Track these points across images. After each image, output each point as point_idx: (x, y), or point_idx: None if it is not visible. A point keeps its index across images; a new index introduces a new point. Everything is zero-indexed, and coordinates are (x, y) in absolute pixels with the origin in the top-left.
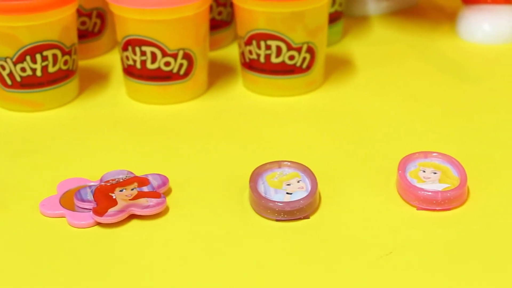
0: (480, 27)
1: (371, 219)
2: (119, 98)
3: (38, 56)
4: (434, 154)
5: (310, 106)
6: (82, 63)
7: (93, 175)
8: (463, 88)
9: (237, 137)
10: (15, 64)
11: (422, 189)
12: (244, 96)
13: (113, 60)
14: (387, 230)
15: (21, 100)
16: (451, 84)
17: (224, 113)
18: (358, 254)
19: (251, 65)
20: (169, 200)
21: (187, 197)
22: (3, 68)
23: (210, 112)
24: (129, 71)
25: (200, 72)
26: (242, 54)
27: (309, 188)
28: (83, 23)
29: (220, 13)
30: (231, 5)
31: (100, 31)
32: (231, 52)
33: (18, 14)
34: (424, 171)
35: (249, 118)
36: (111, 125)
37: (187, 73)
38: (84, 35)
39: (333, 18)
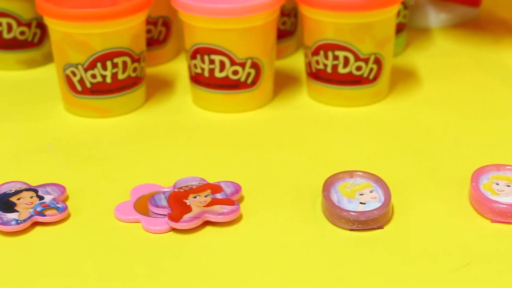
0: None
1: (445, 230)
2: (185, 105)
3: (108, 63)
4: (508, 167)
5: (376, 117)
6: (147, 70)
7: (165, 181)
8: None
9: (305, 146)
10: (86, 70)
11: (497, 202)
12: (309, 105)
13: (177, 67)
14: (462, 242)
15: (90, 106)
16: None
17: (290, 122)
18: (434, 265)
19: (317, 75)
20: (242, 207)
21: (259, 205)
22: (74, 74)
23: (276, 121)
24: (197, 79)
25: (266, 81)
26: (309, 64)
27: (383, 198)
28: (148, 31)
29: (284, 23)
30: (295, 15)
31: (165, 39)
32: (295, 62)
33: (91, 21)
34: (497, 184)
35: (316, 127)
36: (179, 132)
37: (254, 82)
38: (149, 43)
39: (397, 29)
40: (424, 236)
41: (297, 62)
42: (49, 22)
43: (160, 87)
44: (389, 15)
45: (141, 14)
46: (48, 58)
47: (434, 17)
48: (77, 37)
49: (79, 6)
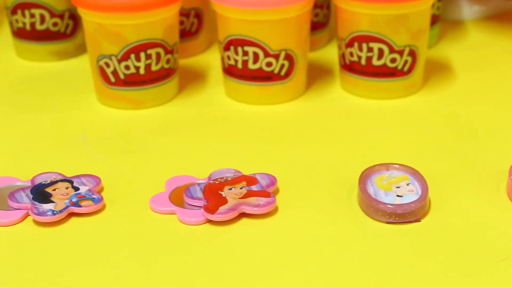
0: None
1: (483, 223)
2: (218, 97)
3: (142, 54)
4: None
5: (410, 109)
6: (179, 62)
7: (200, 173)
8: None
9: (340, 139)
10: (119, 61)
11: None
12: (342, 98)
13: (209, 59)
14: (500, 235)
15: (123, 97)
16: None
17: (324, 115)
18: (472, 259)
19: (351, 67)
20: (278, 199)
21: (295, 197)
22: (108, 66)
23: (309, 113)
24: (230, 71)
25: (300, 73)
26: (343, 56)
27: (420, 191)
28: (181, 22)
29: (317, 15)
30: (328, 7)
31: (197, 31)
32: (327, 54)
33: (125, 12)
34: None
35: (350, 120)
36: (212, 124)
37: (287, 74)
38: (181, 34)
39: (431, 21)
40: (462, 229)
41: (329, 54)
42: (83, 13)
43: (192, 78)
44: (425, 7)
45: (175, 5)
46: (80, 50)
47: (468, 9)
48: (111, 28)
49: None
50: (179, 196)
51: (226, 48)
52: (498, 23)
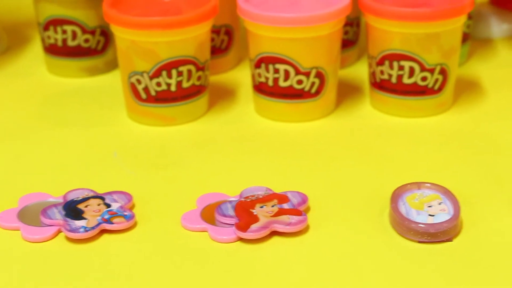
0: None
1: None
2: (248, 114)
3: (173, 71)
4: None
5: (441, 128)
6: (210, 80)
7: (231, 190)
8: None
9: (370, 157)
10: (151, 78)
11: None
12: (372, 115)
13: (238, 76)
14: None
15: (154, 114)
16: None
17: (354, 133)
18: (506, 279)
19: (381, 85)
20: (309, 218)
21: (326, 215)
22: (139, 82)
23: (340, 131)
24: (260, 88)
25: (330, 91)
26: (373, 74)
27: (452, 211)
28: (211, 39)
29: (346, 33)
30: (358, 24)
31: (227, 48)
32: (357, 71)
33: (158, 29)
34: None
35: (380, 138)
36: (243, 141)
37: (318, 92)
38: (211, 51)
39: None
40: (495, 249)
41: (359, 71)
42: (116, 30)
43: (222, 95)
44: (457, 25)
45: (207, 23)
46: (110, 66)
47: (497, 28)
48: (143, 45)
49: (145, 14)
50: (210, 213)
51: (257, 65)
52: None
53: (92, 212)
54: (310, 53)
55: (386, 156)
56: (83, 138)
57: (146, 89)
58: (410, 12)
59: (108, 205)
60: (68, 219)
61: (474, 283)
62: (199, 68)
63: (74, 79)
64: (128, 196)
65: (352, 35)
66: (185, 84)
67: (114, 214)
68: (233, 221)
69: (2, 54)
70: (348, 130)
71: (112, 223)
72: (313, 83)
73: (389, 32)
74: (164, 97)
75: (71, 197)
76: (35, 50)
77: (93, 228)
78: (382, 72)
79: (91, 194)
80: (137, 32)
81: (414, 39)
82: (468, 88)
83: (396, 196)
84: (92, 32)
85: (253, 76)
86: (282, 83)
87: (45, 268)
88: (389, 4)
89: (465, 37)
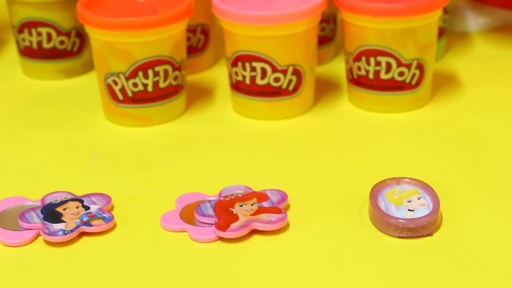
0: None
1: (496, 238)
2: (226, 113)
3: (150, 72)
4: None
5: (419, 122)
6: (187, 79)
7: (210, 190)
8: None
9: (349, 153)
10: (127, 79)
11: None
12: (350, 112)
13: (216, 75)
14: (509, 253)
15: (131, 115)
16: None
17: (332, 129)
18: (485, 273)
19: (359, 81)
20: (289, 215)
21: (306, 213)
22: (116, 83)
23: (318, 127)
24: (237, 87)
25: (307, 88)
26: (350, 70)
27: (431, 205)
28: (187, 39)
29: (323, 29)
30: (334, 21)
31: (203, 47)
32: (334, 68)
33: (133, 30)
34: None
35: (358, 134)
36: (221, 140)
37: (295, 89)
38: (188, 50)
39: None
40: (475, 244)
41: (336, 68)
42: (90, 31)
43: (200, 95)
44: (432, 20)
45: (182, 23)
46: (86, 67)
47: (473, 21)
48: (118, 45)
49: (120, 15)
50: (190, 213)
51: (234, 64)
52: (503, 34)
53: (71, 214)
54: (287, 50)
55: (365, 152)
56: (60, 141)
57: (122, 90)
58: (386, 7)
59: (87, 208)
60: (47, 223)
61: (455, 278)
62: (175, 68)
63: (51, 81)
64: (106, 198)
65: (328, 32)
66: (162, 84)
67: (93, 217)
68: (212, 220)
69: None
70: (326, 127)
71: (91, 226)
72: (290, 81)
73: (365, 28)
74: (141, 98)
75: (49, 200)
76: (10, 53)
77: (72, 231)
78: (359, 68)
79: (69, 196)
80: (111, 33)
81: (390, 34)
82: (446, 83)
83: (375, 191)
84: (67, 34)
85: (230, 75)
86: (259, 81)
87: (25, 272)
88: (365, 0)
89: (441, 32)
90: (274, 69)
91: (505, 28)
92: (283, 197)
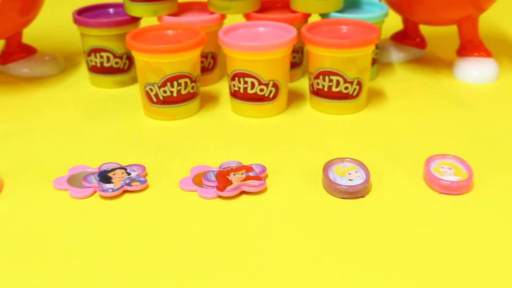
0: (470, 72)
1: (408, 198)
2: (227, 113)
3: (175, 83)
4: (449, 156)
5: (358, 121)
6: (201, 89)
7: (214, 163)
8: (459, 112)
9: (310, 141)
10: (159, 87)
11: (444, 180)
12: (311, 114)
13: (220, 87)
14: (415, 207)
15: (162, 112)
16: (450, 109)
17: (299, 125)
18: (400, 223)
19: (317, 93)
20: (267, 182)
21: (279, 181)
22: (151, 90)
23: (289, 124)
24: (235, 95)
25: (283, 96)
26: (312, 85)
27: (364, 177)
28: (201, 62)
29: (294, 57)
30: (302, 51)
31: (212, 68)
32: (301, 84)
33: (164, 54)
34: (442, 167)
35: (317, 128)
36: (223, 130)
37: (274, 97)
38: (201, 70)
39: (371, 62)
40: (394, 203)
41: (302, 84)
42: (135, 54)
43: (209, 100)
44: (368, 52)
45: (197, 49)
46: (133, 80)
47: (396, 55)
48: (154, 64)
49: (155, 43)
50: (199, 179)
51: (232, 79)
52: (415, 65)
53: (118, 178)
54: (269, 70)
55: (321, 140)
56: (113, 129)
57: (156, 95)
58: (337, 42)
59: (129, 173)
60: (101, 183)
61: (380, 226)
62: (192, 81)
63: (109, 90)
64: (142, 168)
65: (298, 59)
66: (183, 92)
67: (133, 180)
68: (214, 184)
69: (61, 73)
70: (295, 124)
71: (132, 186)
72: (271, 91)
73: (322, 56)
74: (168, 101)
75: (103, 168)
76: (82, 70)
77: (118, 189)
78: (318, 84)
79: (117, 166)
80: (149, 55)
81: (339, 60)
82: (377, 95)
83: (326, 167)
84: (121, 57)
85: (230, 86)
86: (249, 91)
87: (86, 217)
88: (322, 36)
89: (374, 61)
90: (260, 83)
91: (416, 60)
92: (263, 169)
